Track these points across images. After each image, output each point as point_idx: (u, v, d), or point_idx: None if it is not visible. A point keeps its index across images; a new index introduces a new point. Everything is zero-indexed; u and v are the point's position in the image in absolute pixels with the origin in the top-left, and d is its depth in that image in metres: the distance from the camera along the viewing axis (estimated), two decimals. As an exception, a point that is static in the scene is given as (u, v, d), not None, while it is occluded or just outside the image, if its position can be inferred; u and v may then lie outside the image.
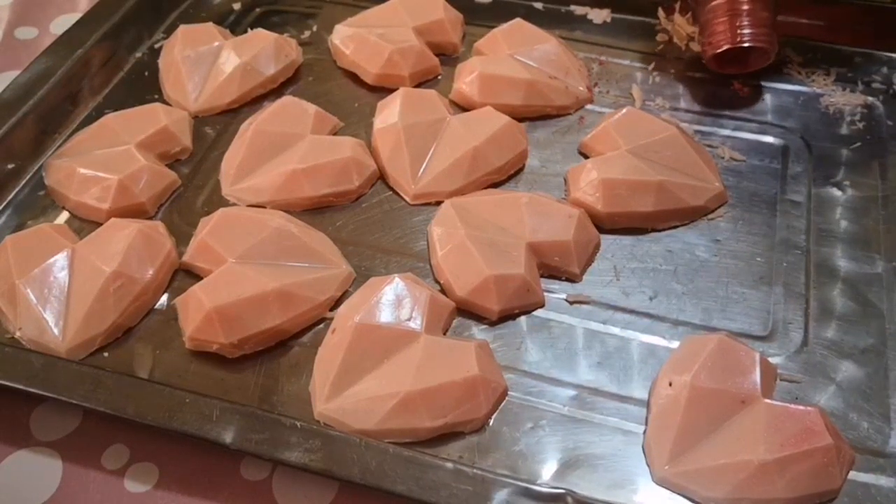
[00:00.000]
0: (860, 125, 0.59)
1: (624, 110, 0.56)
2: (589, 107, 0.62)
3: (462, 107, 0.61)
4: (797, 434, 0.39)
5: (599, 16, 0.70)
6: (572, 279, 0.50)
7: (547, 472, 0.41)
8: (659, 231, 0.52)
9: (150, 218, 0.54)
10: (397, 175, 0.55)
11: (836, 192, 0.55)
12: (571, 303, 0.49)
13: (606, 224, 0.52)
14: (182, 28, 0.65)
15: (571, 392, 0.44)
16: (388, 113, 0.57)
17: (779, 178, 0.56)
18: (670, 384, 0.42)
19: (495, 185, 0.56)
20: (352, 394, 0.42)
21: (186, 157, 0.58)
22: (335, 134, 0.59)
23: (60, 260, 0.48)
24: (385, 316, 0.44)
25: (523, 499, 0.37)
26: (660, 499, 0.40)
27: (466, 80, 0.60)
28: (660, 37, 0.68)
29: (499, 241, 0.49)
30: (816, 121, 0.60)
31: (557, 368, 0.45)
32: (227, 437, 0.39)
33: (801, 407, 0.40)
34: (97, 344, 0.46)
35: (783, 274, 0.50)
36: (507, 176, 0.56)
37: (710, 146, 0.58)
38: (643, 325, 0.47)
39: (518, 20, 0.65)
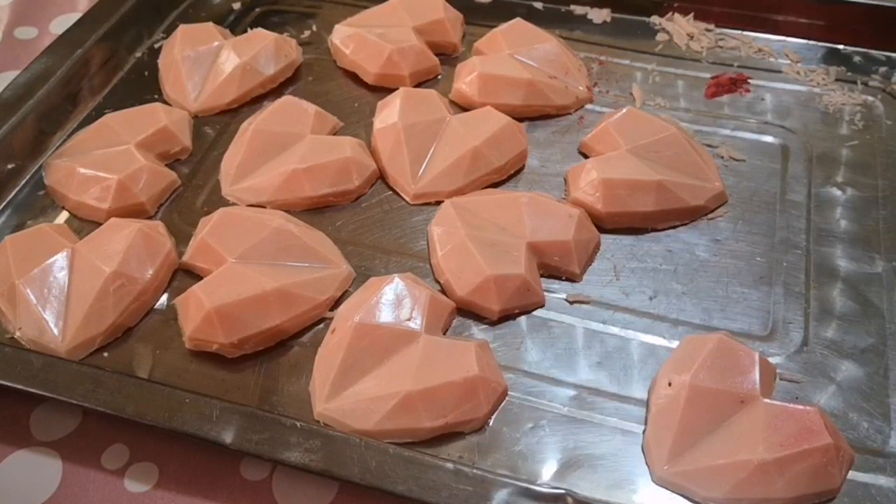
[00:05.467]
0: (860, 124, 0.59)
1: (624, 110, 0.56)
2: (589, 106, 0.62)
3: (462, 107, 0.61)
4: (796, 434, 0.39)
5: (599, 15, 0.70)
6: (572, 279, 0.50)
7: (547, 472, 0.41)
8: (659, 231, 0.52)
9: (150, 218, 0.54)
10: (397, 175, 0.55)
11: (836, 192, 0.55)
12: (571, 302, 0.49)
13: (606, 224, 0.52)
14: (182, 28, 0.65)
15: (571, 392, 0.44)
16: (388, 113, 0.57)
17: (779, 178, 0.56)
18: (669, 384, 0.42)
19: (495, 185, 0.56)
20: (351, 394, 0.42)
21: (186, 157, 0.58)
22: (335, 134, 0.59)
23: (60, 260, 0.48)
24: (385, 316, 0.44)
25: (523, 499, 0.37)
26: (659, 499, 0.40)
27: (466, 79, 0.60)
28: (660, 37, 0.68)
29: (499, 241, 0.49)
30: (816, 120, 0.60)
31: (557, 368, 0.45)
32: (227, 437, 0.39)
33: (800, 406, 0.40)
34: (97, 344, 0.46)
35: (783, 274, 0.50)
36: (507, 176, 0.56)
37: (709, 146, 0.58)
38: (643, 324, 0.47)
39: (518, 20, 0.65)
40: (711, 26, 0.68)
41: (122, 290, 0.47)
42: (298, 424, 0.40)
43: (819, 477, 0.39)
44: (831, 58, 0.65)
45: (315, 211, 0.54)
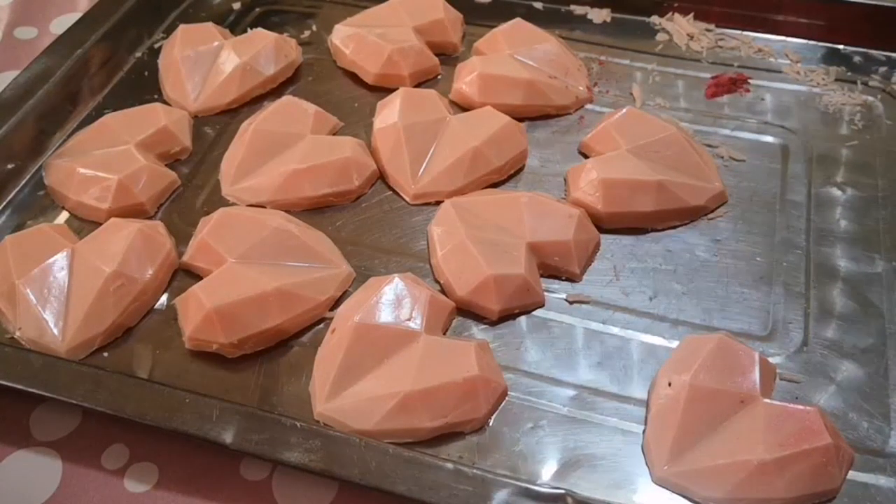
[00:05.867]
0: (859, 124, 0.59)
1: (624, 110, 0.56)
2: (589, 106, 0.62)
3: (462, 107, 0.61)
4: (796, 434, 0.39)
5: (599, 15, 0.70)
6: (572, 279, 0.50)
7: (547, 473, 0.41)
8: (659, 231, 0.52)
9: (150, 218, 0.54)
10: (397, 175, 0.55)
11: (836, 192, 0.55)
12: (571, 303, 0.49)
13: (606, 224, 0.52)
14: (182, 28, 0.65)
15: (571, 392, 0.44)
16: (388, 113, 0.57)
17: (778, 178, 0.56)
18: (669, 384, 0.42)
19: (495, 185, 0.56)
20: (351, 394, 0.42)
21: (186, 157, 0.58)
22: (335, 134, 0.59)
23: (60, 260, 0.48)
24: (385, 316, 0.44)
25: (523, 499, 0.37)
26: (659, 499, 0.40)
27: (466, 79, 0.60)
28: (660, 36, 0.68)
29: (499, 241, 0.49)
30: (816, 120, 0.60)
31: (557, 368, 0.45)
32: (227, 437, 0.39)
33: (800, 406, 0.40)
34: (97, 344, 0.46)
35: (783, 274, 0.50)
36: (507, 176, 0.56)
37: (709, 146, 0.58)
38: (643, 324, 0.47)
39: (518, 20, 0.65)
40: (711, 26, 0.68)
41: (122, 290, 0.47)
42: (298, 424, 0.40)
43: (819, 477, 0.39)
44: (831, 58, 0.65)
45: (315, 211, 0.54)
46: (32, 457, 0.43)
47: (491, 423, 0.43)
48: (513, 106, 0.59)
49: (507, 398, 0.44)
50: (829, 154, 0.57)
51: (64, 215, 0.54)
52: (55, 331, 0.45)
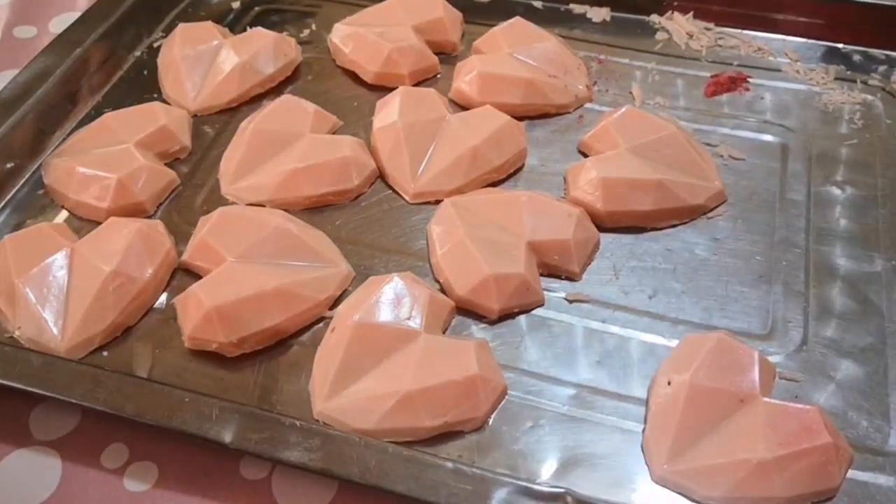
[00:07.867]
0: (859, 123, 0.59)
1: (623, 109, 0.56)
2: (588, 105, 0.62)
3: (461, 105, 0.61)
4: (796, 433, 0.39)
5: (599, 14, 0.70)
6: (572, 278, 0.50)
7: (546, 471, 0.41)
8: (658, 230, 0.52)
9: (150, 217, 0.54)
10: (397, 174, 0.55)
11: (836, 191, 0.55)
12: (571, 301, 0.49)
13: (606, 223, 0.52)
14: (181, 27, 0.65)
15: (571, 391, 0.44)
16: (388, 112, 0.57)
17: (778, 177, 0.56)
18: (669, 383, 0.42)
19: (495, 184, 0.56)
20: (351, 393, 0.43)
21: (185, 156, 0.58)
22: (334, 133, 0.59)
23: (59, 259, 0.48)
24: (384, 315, 0.44)
25: (523, 498, 0.37)
26: (659, 497, 0.40)
27: (466, 78, 0.60)
28: (659, 35, 0.68)
29: (498, 240, 0.49)
30: (815, 119, 0.60)
31: (557, 367, 0.45)
32: (227, 436, 0.39)
33: (799, 405, 0.40)
34: (96, 343, 0.46)
35: (782, 272, 0.50)
36: (506, 175, 0.56)
37: (709, 145, 0.58)
38: (642, 323, 0.47)
39: (517, 19, 0.65)
40: (711, 25, 0.68)
41: (122, 290, 0.47)
42: (298, 423, 0.40)
43: (818, 476, 0.39)
44: (831, 57, 0.65)
45: (314, 210, 0.54)
46: (32, 456, 0.43)
47: (490, 422, 0.43)
48: (512, 105, 0.59)
49: (506, 397, 0.44)
50: (828, 153, 0.57)
51: (63, 214, 0.54)
52: (54, 330, 0.45)
